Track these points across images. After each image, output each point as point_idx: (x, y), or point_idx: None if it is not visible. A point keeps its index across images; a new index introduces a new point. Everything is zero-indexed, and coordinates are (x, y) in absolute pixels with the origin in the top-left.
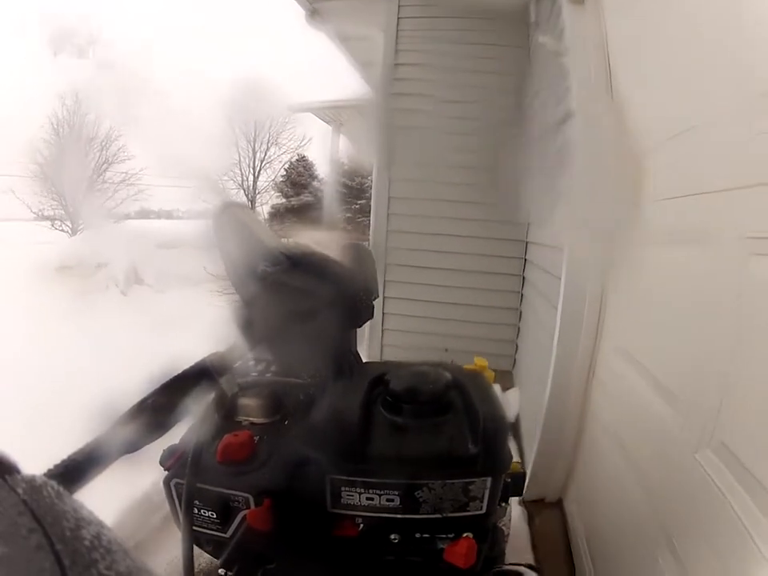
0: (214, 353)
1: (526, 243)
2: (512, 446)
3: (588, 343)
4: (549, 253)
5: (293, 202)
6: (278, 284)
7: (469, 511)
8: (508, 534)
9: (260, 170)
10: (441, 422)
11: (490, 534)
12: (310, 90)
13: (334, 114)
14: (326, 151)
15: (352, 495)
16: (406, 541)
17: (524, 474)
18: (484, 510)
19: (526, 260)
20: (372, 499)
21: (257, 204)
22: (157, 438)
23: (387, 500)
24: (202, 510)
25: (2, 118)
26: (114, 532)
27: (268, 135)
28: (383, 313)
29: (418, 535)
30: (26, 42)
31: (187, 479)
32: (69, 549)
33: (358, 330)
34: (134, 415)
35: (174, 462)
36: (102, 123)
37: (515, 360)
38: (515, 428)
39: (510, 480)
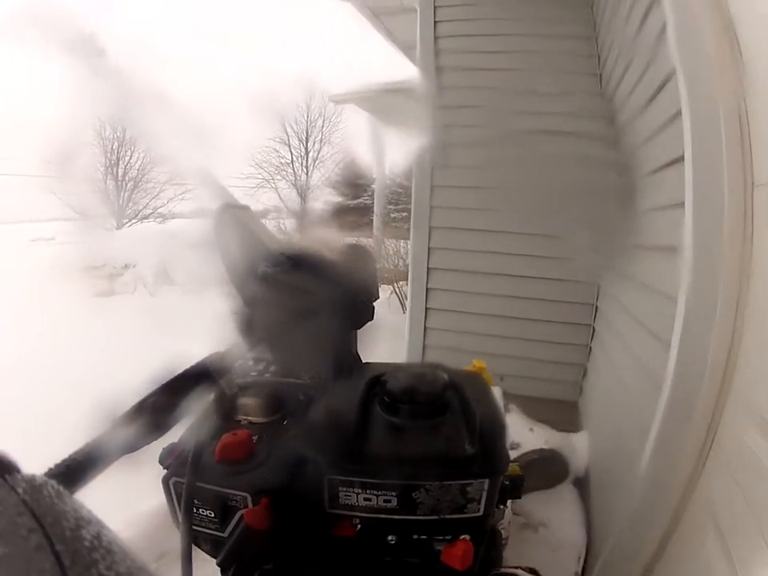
0: (214, 353)
1: None
2: (578, 508)
3: (709, 399)
4: (651, 257)
5: (350, 203)
6: (279, 285)
7: (466, 513)
8: (507, 537)
9: (313, 168)
10: (438, 422)
11: (487, 537)
12: (352, 78)
13: (379, 104)
14: (373, 148)
15: (349, 495)
16: (404, 542)
17: (522, 477)
18: (481, 512)
19: None
20: (369, 500)
21: (308, 202)
22: (157, 438)
23: (384, 501)
24: (200, 509)
25: (42, 120)
26: (113, 532)
27: (321, 135)
28: (425, 327)
29: (415, 537)
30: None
31: (187, 478)
32: (69, 549)
33: (358, 331)
34: (134, 415)
35: (173, 460)
36: None
37: (582, 388)
38: (582, 486)
39: (508, 482)
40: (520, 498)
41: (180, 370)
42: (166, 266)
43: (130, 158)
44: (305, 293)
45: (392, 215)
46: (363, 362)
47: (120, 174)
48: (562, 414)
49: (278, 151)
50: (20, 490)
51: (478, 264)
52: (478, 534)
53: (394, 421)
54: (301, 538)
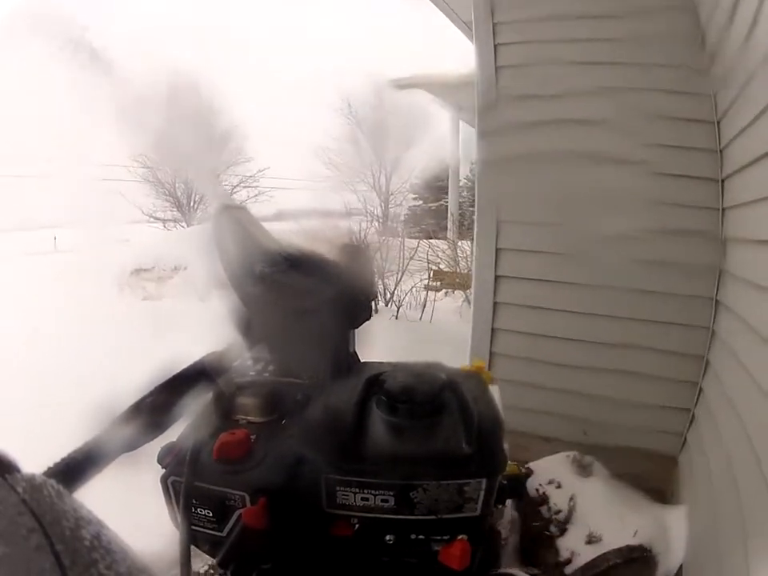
0: (213, 352)
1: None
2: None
3: None
4: None
5: (430, 205)
6: (277, 285)
7: (463, 513)
8: (506, 537)
9: (392, 171)
10: (436, 422)
11: (485, 536)
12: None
13: (451, 92)
14: (450, 142)
15: (347, 495)
16: (401, 542)
17: (521, 476)
18: (479, 512)
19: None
20: (367, 499)
21: (390, 206)
22: (155, 437)
23: (382, 500)
24: (198, 509)
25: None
26: (113, 532)
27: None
28: (491, 352)
29: (413, 536)
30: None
31: (185, 478)
32: (69, 549)
33: (356, 331)
34: (132, 414)
35: (171, 459)
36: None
37: (686, 441)
38: None
39: (506, 482)
40: (520, 498)
41: (178, 369)
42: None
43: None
44: (303, 292)
45: (467, 216)
46: (361, 360)
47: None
48: (657, 469)
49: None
50: (20, 490)
51: (562, 273)
52: (476, 534)
53: (391, 420)
54: (299, 538)
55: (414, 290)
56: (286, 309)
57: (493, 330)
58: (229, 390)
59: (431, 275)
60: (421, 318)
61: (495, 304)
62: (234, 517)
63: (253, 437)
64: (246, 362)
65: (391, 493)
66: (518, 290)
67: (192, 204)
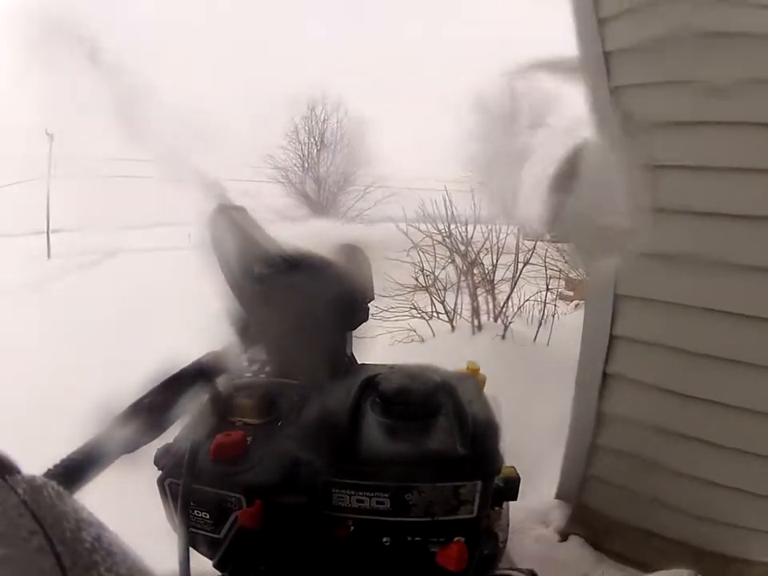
0: (210, 353)
1: None
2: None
3: None
4: None
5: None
6: (274, 286)
7: (459, 515)
8: (505, 539)
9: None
10: (431, 424)
11: (482, 538)
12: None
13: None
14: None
15: (343, 497)
16: (398, 544)
17: (518, 478)
18: (474, 514)
19: None
20: (363, 501)
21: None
22: (154, 438)
23: (378, 502)
24: (195, 511)
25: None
26: (114, 534)
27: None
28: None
29: (409, 538)
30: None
31: (183, 480)
32: (69, 550)
33: (352, 332)
34: (131, 415)
35: (167, 461)
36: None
37: None
38: None
39: (502, 484)
40: (515, 500)
41: (177, 370)
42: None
43: (332, 160)
44: (300, 294)
45: None
46: (358, 363)
47: (322, 174)
48: None
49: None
50: (20, 491)
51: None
52: (473, 536)
53: (386, 422)
54: (295, 540)
55: (532, 301)
56: (283, 310)
57: (604, 374)
58: (225, 391)
59: (554, 283)
60: (535, 340)
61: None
62: (231, 519)
63: (249, 438)
64: (243, 363)
65: (387, 495)
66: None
67: (324, 202)
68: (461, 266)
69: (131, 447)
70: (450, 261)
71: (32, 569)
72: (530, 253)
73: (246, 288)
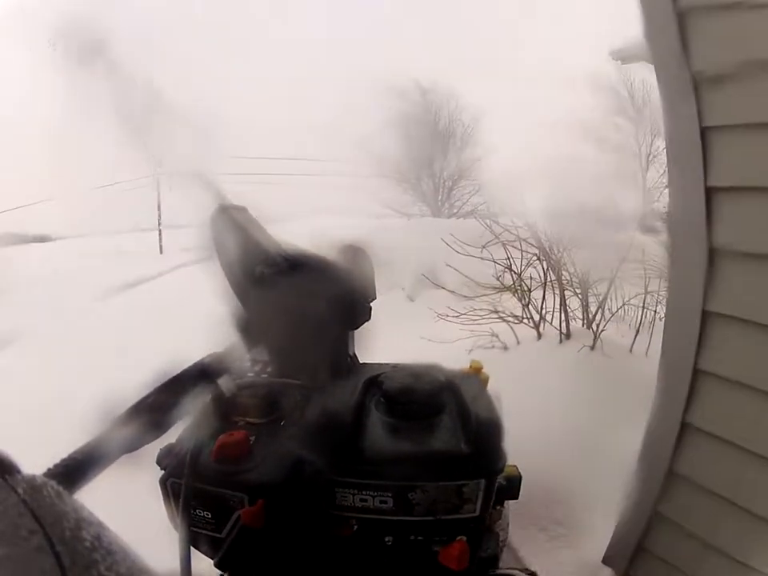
0: (213, 353)
1: None
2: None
3: None
4: None
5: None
6: (276, 285)
7: (462, 514)
8: (505, 539)
9: (647, 165)
10: (434, 422)
11: (483, 537)
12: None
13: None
14: None
15: (346, 496)
16: (401, 543)
17: (519, 477)
18: (477, 513)
19: None
20: (366, 500)
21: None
22: (156, 438)
23: (381, 501)
24: (197, 510)
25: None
26: (114, 533)
27: (650, 125)
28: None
29: (412, 537)
30: None
31: (185, 479)
32: (69, 550)
33: (355, 331)
34: (133, 414)
35: (170, 461)
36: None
37: None
38: None
39: (504, 482)
40: (516, 499)
41: (179, 370)
42: (435, 266)
43: (446, 156)
44: (302, 293)
45: None
46: (360, 362)
47: (436, 168)
48: None
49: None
50: (20, 491)
51: None
52: (475, 535)
53: (389, 421)
54: (298, 539)
55: (631, 305)
56: (285, 309)
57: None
58: (228, 392)
59: (654, 285)
60: (631, 350)
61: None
62: (233, 518)
63: (252, 438)
64: (246, 363)
65: (390, 494)
66: None
67: (440, 198)
68: (548, 264)
69: (132, 447)
70: (535, 258)
71: (32, 568)
72: (628, 249)
73: (248, 287)
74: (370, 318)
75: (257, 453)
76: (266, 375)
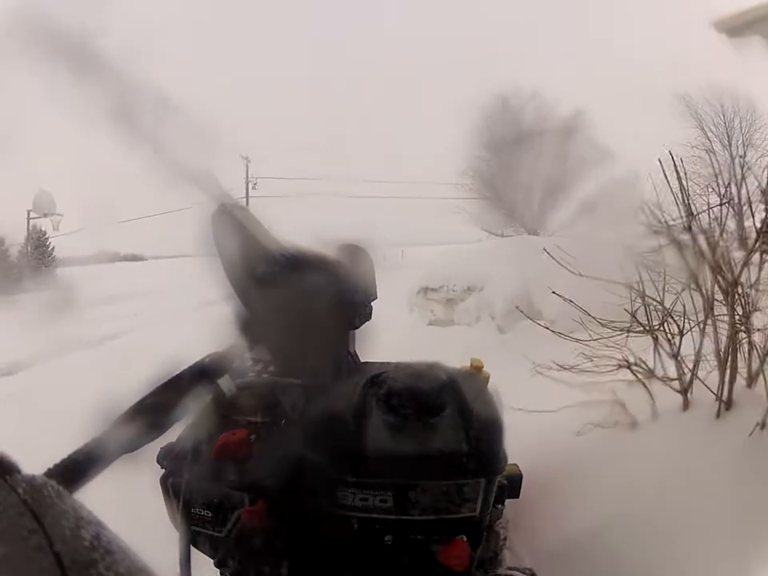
0: (213, 353)
1: None
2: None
3: None
4: None
5: None
6: (277, 285)
7: (462, 513)
8: (505, 538)
9: (742, 178)
10: (435, 422)
11: (484, 537)
12: None
13: None
14: None
15: (346, 495)
16: (401, 542)
17: (520, 476)
18: (477, 512)
19: None
20: (366, 500)
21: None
22: (156, 437)
23: (381, 500)
24: (198, 509)
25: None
26: (113, 532)
27: (741, 137)
28: None
29: (412, 536)
30: None
31: (185, 478)
32: (69, 549)
33: (355, 331)
34: (133, 414)
35: (170, 460)
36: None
37: None
38: None
39: (505, 482)
40: (518, 498)
41: (179, 370)
42: (531, 293)
43: (535, 162)
44: (303, 293)
45: None
46: (361, 361)
47: (524, 180)
48: None
49: (702, 159)
50: (20, 491)
51: None
52: (475, 534)
53: (390, 420)
54: (298, 538)
55: None
56: (286, 309)
57: None
58: (229, 391)
59: None
60: None
61: None
62: (234, 517)
63: (253, 437)
64: (247, 363)
65: (390, 493)
66: None
67: (535, 217)
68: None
69: (132, 447)
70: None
71: (32, 567)
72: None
73: (249, 287)
74: (370, 317)
75: (258, 452)
76: (267, 374)
